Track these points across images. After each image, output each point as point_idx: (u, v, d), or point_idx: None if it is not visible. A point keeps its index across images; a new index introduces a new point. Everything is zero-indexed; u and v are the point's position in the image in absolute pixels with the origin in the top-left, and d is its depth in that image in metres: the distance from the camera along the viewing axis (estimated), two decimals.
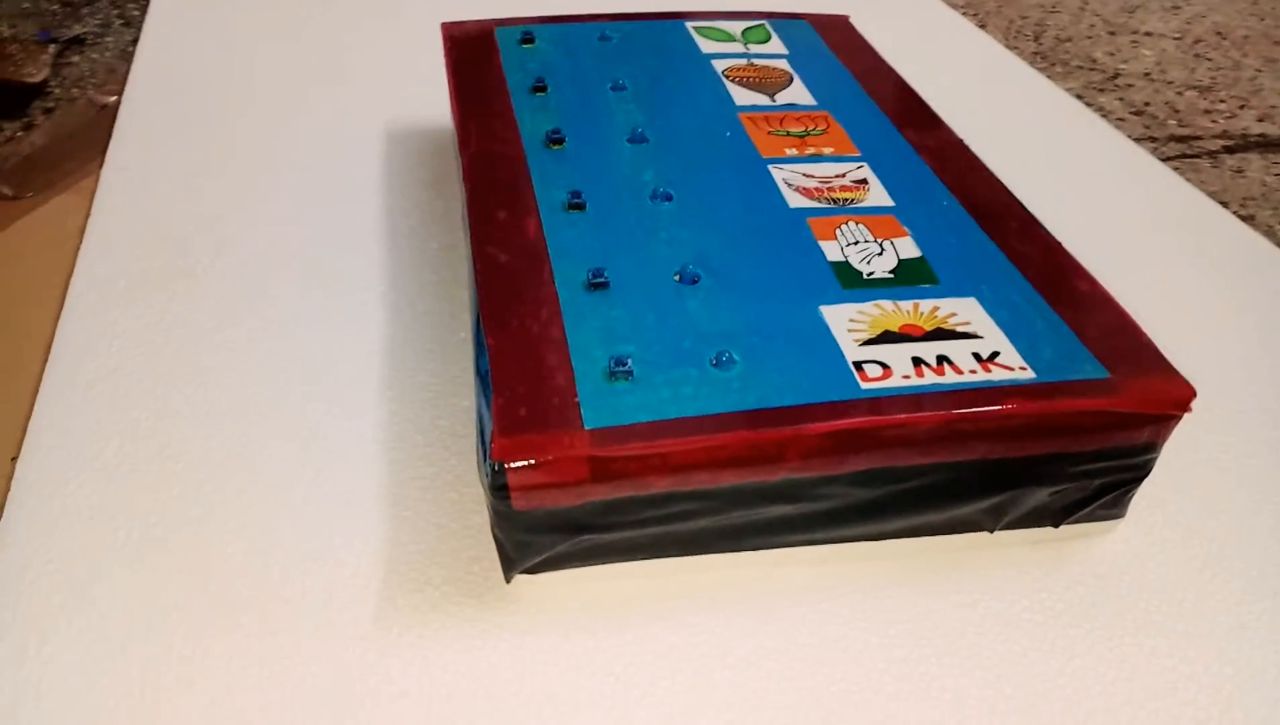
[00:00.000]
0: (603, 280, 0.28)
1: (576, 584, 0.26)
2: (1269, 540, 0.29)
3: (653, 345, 0.26)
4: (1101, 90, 0.53)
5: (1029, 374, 0.26)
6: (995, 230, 0.32)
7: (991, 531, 0.28)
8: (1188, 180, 0.50)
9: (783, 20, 0.45)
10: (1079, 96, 0.50)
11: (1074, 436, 0.26)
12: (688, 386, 0.25)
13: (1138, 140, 0.50)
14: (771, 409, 0.24)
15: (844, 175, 0.34)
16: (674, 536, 0.26)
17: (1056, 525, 0.28)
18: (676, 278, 0.29)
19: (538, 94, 0.38)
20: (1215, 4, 0.52)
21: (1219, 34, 0.54)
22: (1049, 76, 0.53)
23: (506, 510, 0.24)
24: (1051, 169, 0.46)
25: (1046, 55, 0.53)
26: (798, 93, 0.39)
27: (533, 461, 0.23)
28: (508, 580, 0.26)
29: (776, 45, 0.43)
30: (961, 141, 0.37)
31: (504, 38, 0.42)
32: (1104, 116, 0.53)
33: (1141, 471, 0.27)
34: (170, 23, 0.55)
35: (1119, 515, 0.28)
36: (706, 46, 0.42)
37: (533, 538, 0.24)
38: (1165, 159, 0.49)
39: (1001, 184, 0.34)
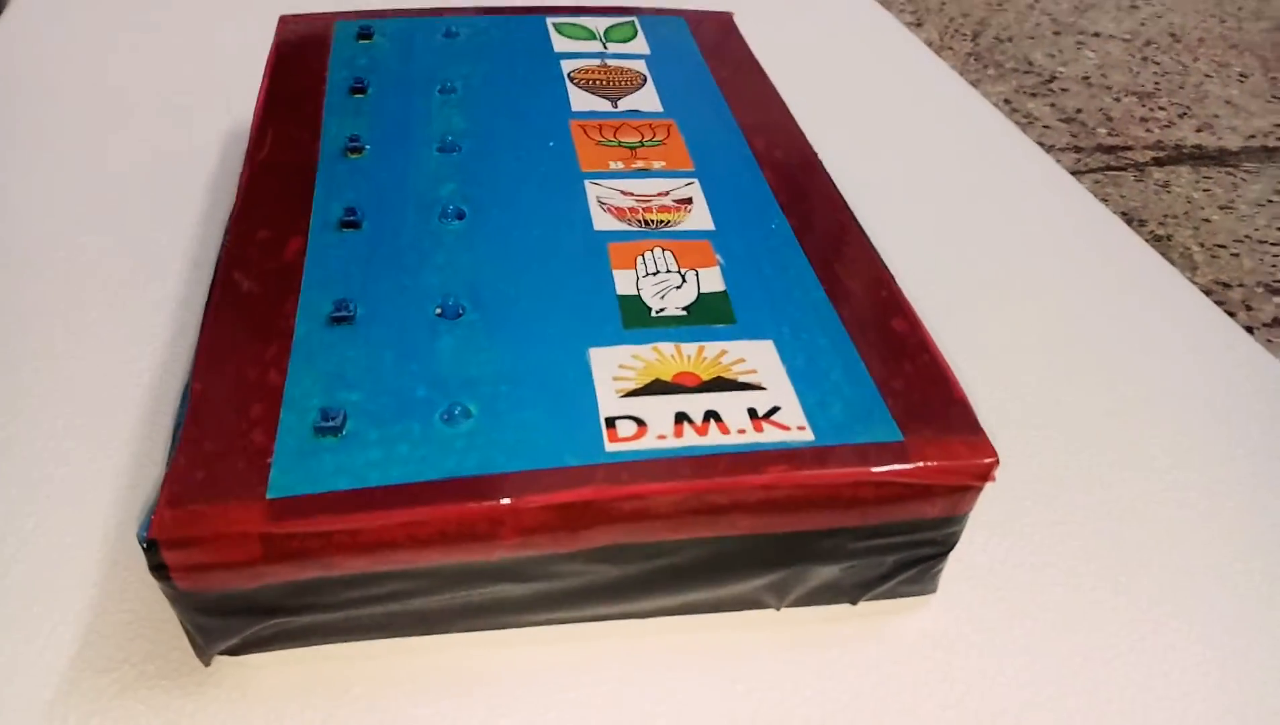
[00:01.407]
0: (347, 313, 0.25)
1: (286, 666, 0.23)
2: (1106, 617, 0.25)
3: (381, 394, 0.23)
4: (1033, 95, 0.49)
5: (806, 435, 0.22)
6: (821, 258, 0.28)
7: (777, 609, 0.24)
8: (1105, 195, 0.46)
9: (657, 17, 0.41)
10: (1006, 102, 0.47)
11: (853, 509, 0.22)
12: (404, 445, 0.22)
13: (1061, 150, 0.47)
14: (490, 476, 0.21)
15: (667, 193, 0.31)
16: (391, 616, 0.22)
17: (854, 603, 0.25)
18: (437, 311, 0.26)
19: (355, 96, 0.35)
20: (1175, 3, 0.48)
21: (1173, 35, 0.51)
22: (978, 79, 0.49)
23: (173, 592, 0.20)
24: (951, 183, 0.42)
25: (981, 56, 0.50)
26: (645, 98, 0.36)
27: (189, 537, 0.20)
28: (204, 663, 0.22)
29: (639, 44, 0.39)
30: (814, 155, 0.33)
31: (341, 32, 0.39)
32: (1029, 124, 0.49)
33: (944, 545, 0.24)
34: None
35: (929, 590, 0.25)
36: (561, 45, 0.39)
37: (215, 620, 0.21)
38: (1087, 171, 0.45)
39: (843, 202, 0.31)
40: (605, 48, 0.39)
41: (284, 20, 0.40)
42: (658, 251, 0.28)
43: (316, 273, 0.27)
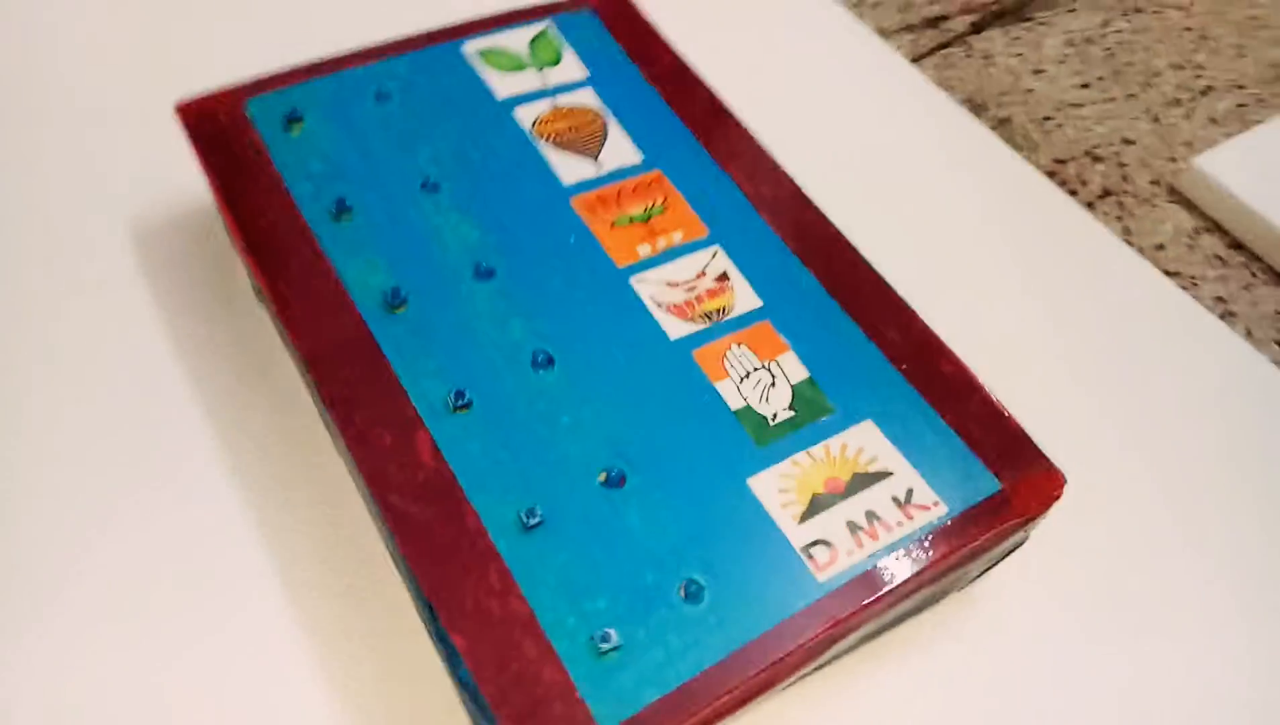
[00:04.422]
0: (537, 519, 0.27)
1: None
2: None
3: (620, 593, 0.26)
4: None
5: (943, 509, 0.29)
6: (857, 311, 0.33)
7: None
8: (945, 81, 0.52)
9: (566, 17, 0.41)
10: None
11: (980, 556, 0.29)
12: (671, 635, 0.26)
13: (896, 33, 0.52)
14: (755, 641, 0.26)
15: (704, 273, 0.34)
16: None
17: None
18: (602, 480, 0.29)
19: (342, 219, 0.33)
20: None
21: None
22: None
23: None
24: (798, 89, 0.47)
25: None
26: (620, 146, 0.37)
27: None
28: None
29: (571, 64, 0.39)
30: (795, 184, 0.36)
31: (262, 120, 0.35)
32: (858, 2, 0.53)
33: (1016, 550, 0.32)
34: None
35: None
36: (499, 86, 0.38)
37: None
38: (926, 54, 0.51)
39: (845, 240, 0.35)
40: (543, 77, 0.38)
41: (186, 110, 0.35)
42: (736, 349, 0.32)
43: (467, 473, 0.28)
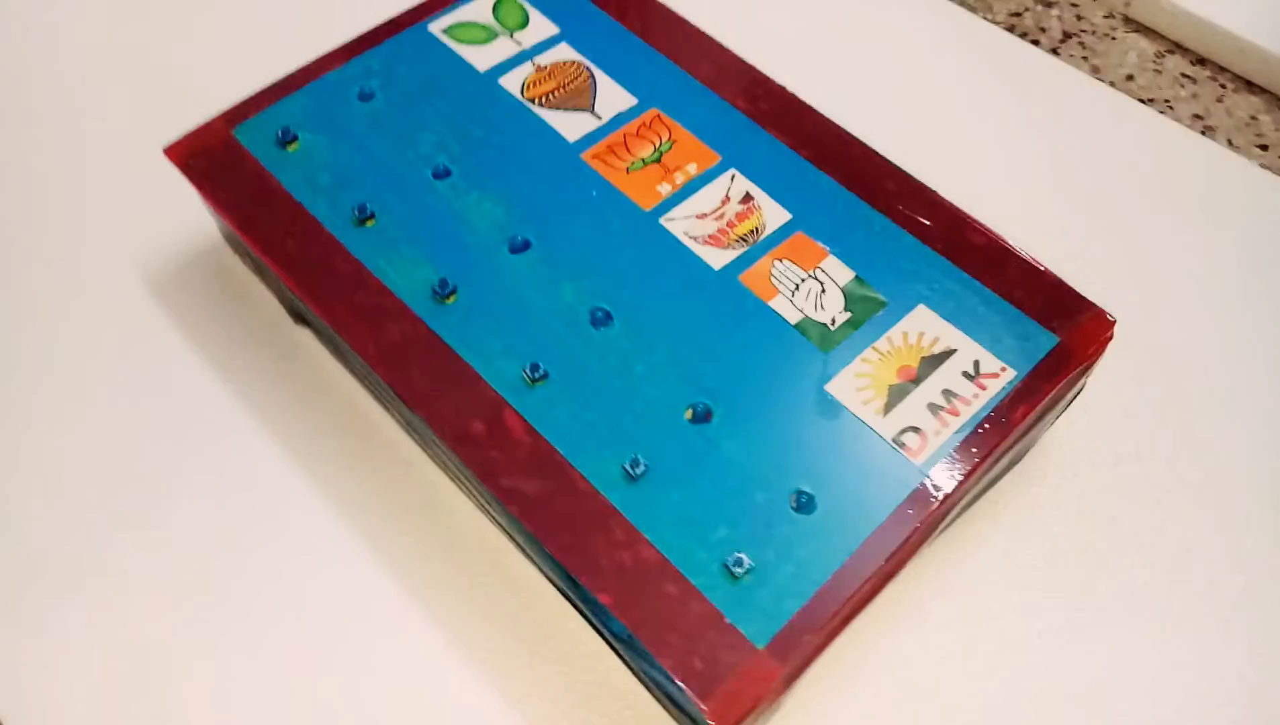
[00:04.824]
0: (641, 469, 0.28)
1: None
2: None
3: (737, 519, 0.28)
4: None
5: (1011, 373, 0.30)
6: (883, 203, 0.34)
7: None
8: None
9: None
10: None
11: (1057, 406, 0.31)
12: (796, 547, 0.27)
13: None
14: (874, 534, 0.27)
15: (727, 198, 0.34)
16: None
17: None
18: (689, 417, 0.29)
19: (367, 224, 0.33)
20: None
21: None
22: None
23: None
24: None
25: None
26: (611, 92, 0.37)
27: (745, 710, 0.25)
28: None
29: (540, 21, 0.39)
30: (788, 92, 0.37)
31: (255, 145, 0.35)
32: None
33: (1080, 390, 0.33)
34: None
35: None
36: (476, 59, 0.38)
37: None
38: None
39: (850, 135, 0.36)
40: (516, 42, 0.38)
41: (175, 151, 0.35)
42: (779, 265, 0.33)
43: (563, 439, 0.29)
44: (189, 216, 0.40)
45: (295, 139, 0.35)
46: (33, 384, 0.36)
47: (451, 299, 0.32)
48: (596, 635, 0.30)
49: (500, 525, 0.32)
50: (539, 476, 0.28)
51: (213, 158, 0.35)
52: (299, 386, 0.36)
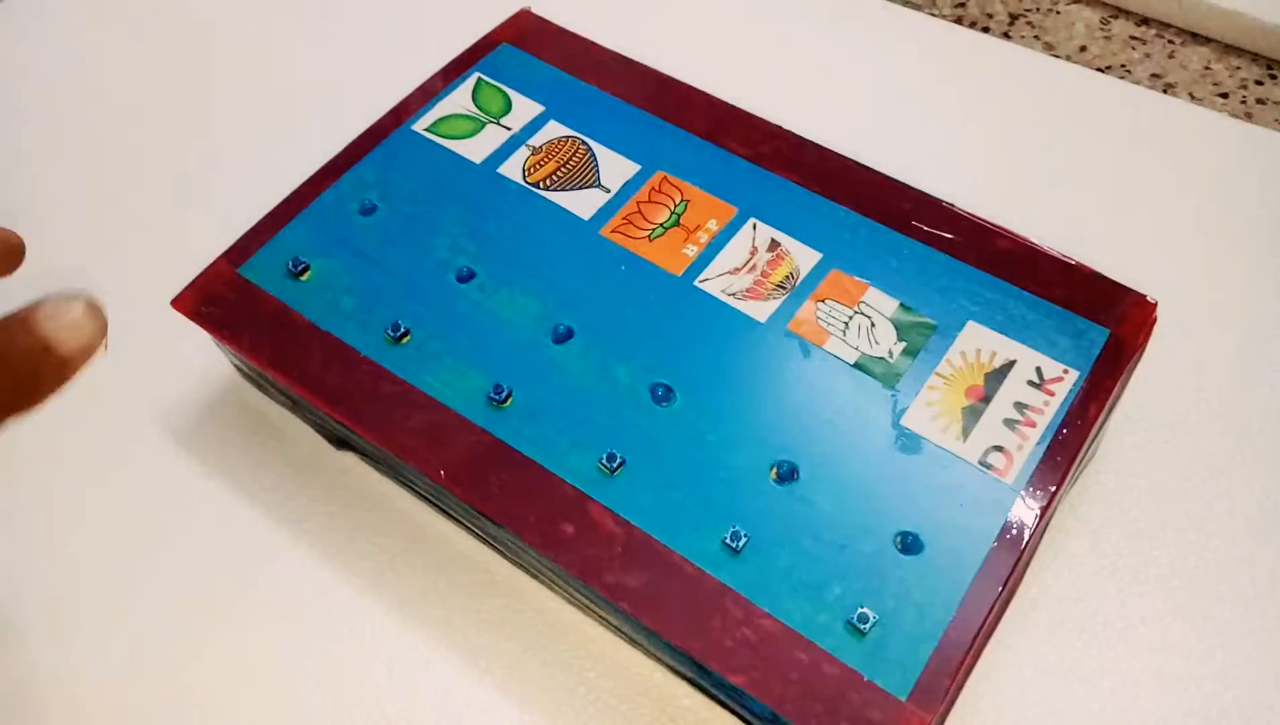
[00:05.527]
0: (743, 538, 0.28)
1: None
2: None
3: (849, 573, 0.28)
4: None
5: (1074, 374, 0.31)
6: (904, 226, 0.34)
7: None
8: None
9: (488, 61, 0.40)
10: None
11: (1115, 402, 0.31)
12: (913, 591, 0.27)
13: None
14: (987, 560, 0.27)
15: (755, 248, 0.34)
16: None
17: None
18: (774, 478, 0.29)
19: (403, 342, 0.33)
20: None
21: None
22: None
23: None
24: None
25: None
26: (613, 163, 0.37)
27: None
28: None
29: (522, 103, 0.38)
30: (780, 128, 0.37)
31: (265, 280, 0.34)
32: None
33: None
34: None
35: None
36: (469, 151, 0.37)
37: None
38: None
39: (853, 161, 0.36)
40: (502, 126, 0.38)
41: (182, 301, 0.34)
42: (823, 306, 0.33)
43: (655, 523, 0.29)
44: (196, 361, 0.38)
45: (307, 267, 0.34)
46: (93, 564, 0.34)
47: (509, 402, 0.31)
48: (713, 702, 0.30)
49: (599, 615, 0.31)
50: (640, 567, 0.28)
51: (224, 301, 0.34)
52: (356, 513, 0.35)
